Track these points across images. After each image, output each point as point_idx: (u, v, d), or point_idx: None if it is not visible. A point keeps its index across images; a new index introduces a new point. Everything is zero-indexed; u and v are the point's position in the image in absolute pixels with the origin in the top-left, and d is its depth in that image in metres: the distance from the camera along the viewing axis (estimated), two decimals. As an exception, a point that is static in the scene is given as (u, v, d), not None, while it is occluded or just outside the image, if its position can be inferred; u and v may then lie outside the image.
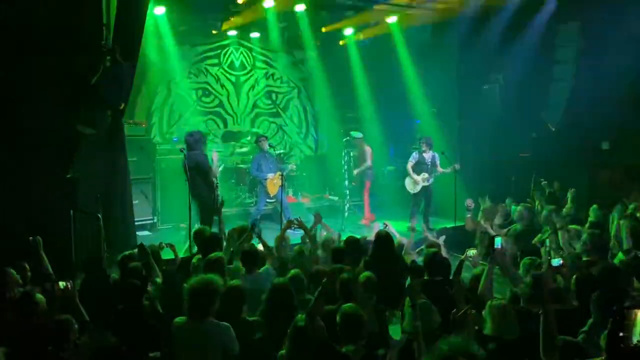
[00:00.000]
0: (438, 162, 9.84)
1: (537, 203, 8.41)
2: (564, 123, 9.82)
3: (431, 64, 10.91)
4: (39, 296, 4.19)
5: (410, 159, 9.97)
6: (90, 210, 6.86)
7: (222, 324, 3.84)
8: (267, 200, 9.75)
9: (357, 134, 10.72)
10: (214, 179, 7.82)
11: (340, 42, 12.32)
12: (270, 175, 9.48)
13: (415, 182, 9.87)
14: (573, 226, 6.58)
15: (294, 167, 10.26)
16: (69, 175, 6.56)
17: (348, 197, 10.74)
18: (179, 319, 3.90)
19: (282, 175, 8.90)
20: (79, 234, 6.73)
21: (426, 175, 9.79)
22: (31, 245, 5.12)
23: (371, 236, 6.50)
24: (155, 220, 9.50)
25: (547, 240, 6.62)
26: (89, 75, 6.75)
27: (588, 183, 9.22)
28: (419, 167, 9.87)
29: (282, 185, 8.93)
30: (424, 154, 9.87)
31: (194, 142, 7.85)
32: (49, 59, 6.33)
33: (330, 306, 4.04)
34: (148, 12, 7.62)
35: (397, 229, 7.25)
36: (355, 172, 10.58)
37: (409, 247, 6.36)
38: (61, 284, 4.36)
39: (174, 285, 5.02)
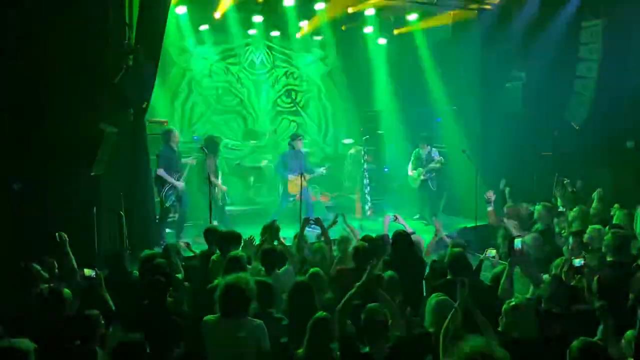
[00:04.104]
0: (435, 157, 10.12)
1: (559, 202, 8.29)
2: (587, 121, 9.66)
3: (452, 61, 10.81)
4: (67, 291, 4.25)
5: (411, 157, 10.45)
6: (113, 207, 6.96)
7: (256, 322, 3.79)
8: (289, 199, 9.79)
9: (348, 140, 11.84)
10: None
11: (360, 41, 12.28)
12: (291, 177, 9.48)
13: (412, 178, 10.37)
14: (597, 226, 6.46)
15: (324, 171, 10.13)
16: (92, 173, 6.65)
17: (368, 196, 10.74)
18: (210, 317, 3.82)
19: (302, 175, 8.84)
20: (102, 231, 6.83)
21: (421, 170, 10.16)
22: (57, 241, 5.19)
23: (384, 230, 6.50)
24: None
25: (570, 239, 6.52)
26: (112, 75, 6.85)
27: (612, 182, 9.05)
28: (417, 164, 10.30)
29: (304, 187, 8.94)
30: (421, 151, 10.27)
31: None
32: (73, 59, 6.44)
33: (356, 301, 4.02)
34: (169, 11, 7.70)
35: (414, 228, 7.24)
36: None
37: (430, 248, 6.32)
38: (87, 271, 4.42)
39: (195, 281, 5.08)
